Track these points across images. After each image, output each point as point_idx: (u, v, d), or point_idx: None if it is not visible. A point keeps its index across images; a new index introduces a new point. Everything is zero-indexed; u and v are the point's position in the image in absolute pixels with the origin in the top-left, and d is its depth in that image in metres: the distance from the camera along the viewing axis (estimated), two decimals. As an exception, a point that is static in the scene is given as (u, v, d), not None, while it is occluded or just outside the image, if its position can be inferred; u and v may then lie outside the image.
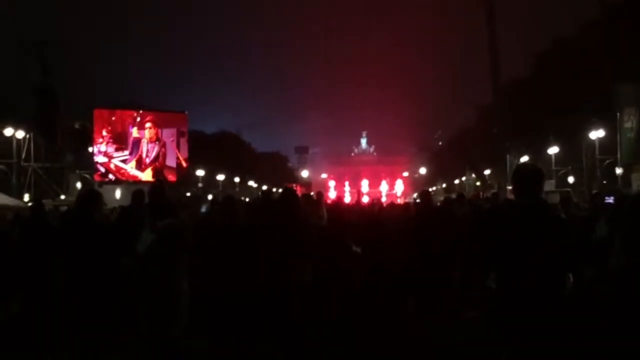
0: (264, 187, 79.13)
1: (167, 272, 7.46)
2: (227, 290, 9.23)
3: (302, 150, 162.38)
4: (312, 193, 19.28)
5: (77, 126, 68.32)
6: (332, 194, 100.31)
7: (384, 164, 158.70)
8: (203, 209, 17.74)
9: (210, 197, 42.60)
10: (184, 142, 64.59)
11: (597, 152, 53.99)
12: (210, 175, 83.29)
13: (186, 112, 68.55)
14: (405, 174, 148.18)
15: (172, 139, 63.93)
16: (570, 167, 62.08)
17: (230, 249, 9.37)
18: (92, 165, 60.42)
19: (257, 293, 9.36)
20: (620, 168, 49.62)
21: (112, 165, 60.57)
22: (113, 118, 61.31)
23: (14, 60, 67.37)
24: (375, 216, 17.65)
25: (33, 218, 14.06)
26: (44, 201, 20.54)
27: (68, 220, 10.72)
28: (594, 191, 27.60)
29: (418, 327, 12.97)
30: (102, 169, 60.29)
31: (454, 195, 24.90)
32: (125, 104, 69.32)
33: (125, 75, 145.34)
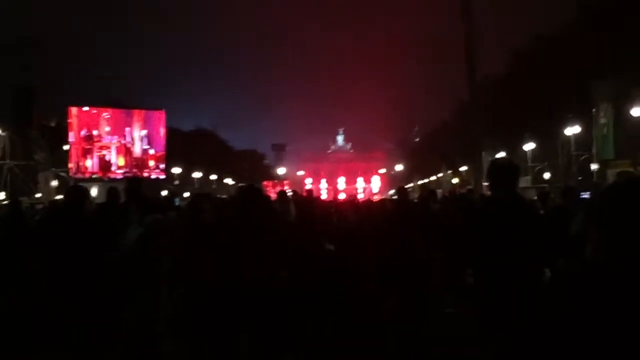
0: (239, 185, 79.16)
1: (152, 268, 7.45)
2: (206, 287, 9.22)
3: (278, 148, 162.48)
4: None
5: (52, 124, 68.12)
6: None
7: (360, 160, 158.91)
8: (176, 204, 17.81)
9: (186, 194, 42.64)
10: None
11: (572, 148, 54.31)
12: (187, 173, 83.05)
13: (164, 110, 68.56)
14: (382, 170, 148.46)
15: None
16: (546, 163, 62.46)
17: (204, 247, 9.37)
18: (67, 163, 60.26)
19: (235, 290, 9.35)
20: (596, 164, 49.95)
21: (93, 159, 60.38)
22: (88, 116, 61.16)
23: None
24: (350, 212, 17.67)
25: (10, 216, 14.02)
26: (19, 199, 20.47)
27: (56, 216, 10.69)
28: (565, 185, 27.75)
29: (399, 324, 12.99)
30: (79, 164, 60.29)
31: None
32: (101, 101, 69.23)
33: (102, 73, 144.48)
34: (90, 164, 60.47)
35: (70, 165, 59.86)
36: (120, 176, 57.35)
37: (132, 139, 62.39)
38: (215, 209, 11.80)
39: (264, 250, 9.60)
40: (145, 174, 59.59)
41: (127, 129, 62.37)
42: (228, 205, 13.29)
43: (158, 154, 64.61)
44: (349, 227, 15.56)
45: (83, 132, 60.37)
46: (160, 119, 66.22)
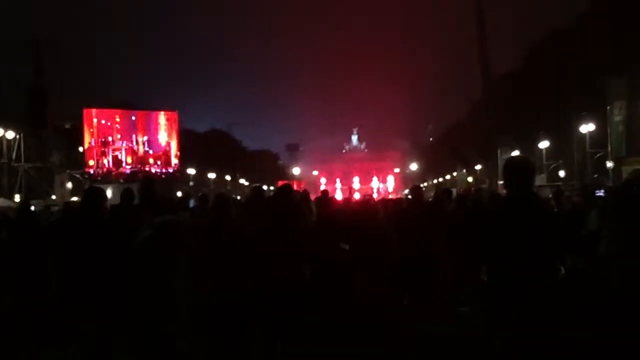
0: (254, 185, 79.57)
1: (163, 268, 7.45)
2: (223, 289, 9.22)
3: (292, 148, 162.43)
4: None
5: (67, 126, 68.47)
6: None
7: (375, 160, 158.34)
8: (191, 204, 17.83)
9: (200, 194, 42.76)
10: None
11: (587, 145, 54.08)
12: (201, 174, 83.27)
13: (177, 111, 69.40)
14: (397, 170, 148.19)
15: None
16: (561, 161, 62.20)
17: (225, 248, 9.36)
18: (82, 165, 61.69)
19: (254, 292, 9.36)
20: (611, 161, 49.73)
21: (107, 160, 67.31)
22: (103, 118, 64.62)
23: (5, 60, 67.36)
24: (366, 212, 17.62)
25: (19, 218, 14.12)
26: (34, 201, 20.61)
27: (72, 217, 10.74)
28: (583, 184, 27.69)
29: (413, 323, 12.97)
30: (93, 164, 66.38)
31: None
32: (116, 103, 69.86)
33: (117, 74, 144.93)
34: (106, 162, 67.18)
35: (92, 162, 65.96)
36: (128, 171, 66.34)
37: (137, 142, 69.98)
38: (241, 211, 11.84)
39: (292, 251, 9.64)
40: (147, 168, 67.30)
41: (133, 136, 69.44)
42: (252, 205, 13.31)
43: (155, 154, 71.13)
44: (364, 226, 15.52)
45: (101, 139, 66.79)
46: (172, 120, 72.37)
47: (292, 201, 10.56)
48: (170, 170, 70.65)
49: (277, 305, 9.62)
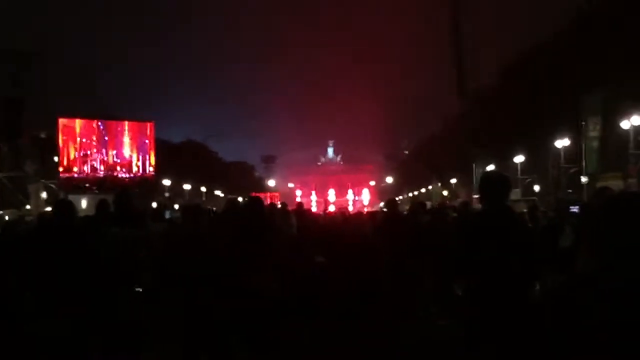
0: (229, 197, 79.64)
1: (121, 280, 7.41)
2: (197, 301, 9.20)
3: (268, 160, 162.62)
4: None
5: (43, 135, 68.22)
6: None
7: (350, 172, 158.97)
8: (167, 216, 17.77)
9: (176, 206, 42.66)
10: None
11: (562, 160, 54.45)
12: (177, 185, 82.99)
13: (153, 122, 69.42)
14: (372, 183, 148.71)
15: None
16: (535, 176, 62.55)
17: (196, 258, 9.34)
18: (57, 175, 61.48)
19: (228, 303, 9.34)
20: (586, 177, 50.02)
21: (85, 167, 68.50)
22: (78, 127, 64.72)
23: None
24: (341, 225, 17.61)
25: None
26: (8, 211, 20.48)
27: (44, 228, 10.63)
28: (557, 199, 27.87)
29: (391, 336, 12.95)
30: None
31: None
32: (92, 112, 69.85)
33: (93, 84, 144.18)
34: (86, 168, 68.34)
35: (75, 169, 67.13)
36: (101, 175, 68.42)
37: (107, 154, 70.59)
38: (211, 221, 11.81)
39: (262, 264, 9.61)
40: (115, 173, 69.41)
41: (103, 150, 70.26)
42: (226, 217, 13.29)
43: (122, 162, 71.85)
44: (339, 239, 15.49)
45: (81, 153, 67.92)
46: (143, 131, 72.67)
47: (263, 213, 10.54)
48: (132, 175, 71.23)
49: (248, 319, 9.59)
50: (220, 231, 10.70)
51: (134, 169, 71.61)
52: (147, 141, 71.99)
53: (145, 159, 71.67)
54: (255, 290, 9.59)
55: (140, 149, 71.49)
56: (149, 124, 71.87)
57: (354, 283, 14.50)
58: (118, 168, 70.45)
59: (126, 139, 70.81)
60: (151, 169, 72.07)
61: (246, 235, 9.88)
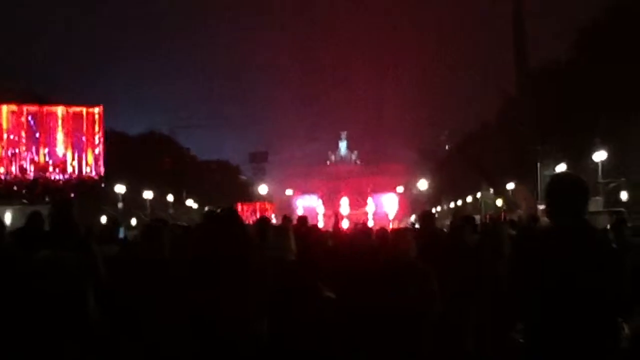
0: (207, 209, 79.71)
1: (66, 327, 7.43)
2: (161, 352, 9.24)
3: (259, 158, 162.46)
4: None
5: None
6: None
7: (370, 175, 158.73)
8: (121, 235, 17.80)
9: (134, 221, 42.68)
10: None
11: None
12: (134, 193, 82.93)
13: (101, 105, 69.54)
14: (400, 189, 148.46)
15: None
16: (623, 179, 62.41)
17: (155, 295, 9.38)
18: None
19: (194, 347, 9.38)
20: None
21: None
22: (12, 112, 65.99)
23: None
24: (358, 248, 17.51)
25: None
26: None
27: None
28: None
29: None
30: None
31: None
32: (26, 97, 70.77)
33: (33, 62, 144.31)
34: (14, 169, 70.08)
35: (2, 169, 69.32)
36: (31, 177, 69.71)
37: (38, 153, 72.06)
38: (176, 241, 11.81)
39: (237, 299, 9.57)
40: (47, 175, 70.29)
41: (34, 147, 71.83)
42: (194, 237, 13.31)
43: (54, 162, 72.36)
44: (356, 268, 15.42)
45: (10, 151, 69.90)
46: (90, 118, 72.71)
47: (240, 229, 10.48)
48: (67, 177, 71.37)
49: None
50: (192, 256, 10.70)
51: (69, 168, 71.89)
52: (95, 133, 72.05)
53: (85, 156, 72.02)
54: (228, 333, 9.58)
55: (78, 143, 72.01)
56: (96, 109, 71.68)
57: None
58: (50, 169, 70.52)
59: (61, 132, 71.04)
60: (91, 169, 71.47)
61: (205, 274, 9.83)
